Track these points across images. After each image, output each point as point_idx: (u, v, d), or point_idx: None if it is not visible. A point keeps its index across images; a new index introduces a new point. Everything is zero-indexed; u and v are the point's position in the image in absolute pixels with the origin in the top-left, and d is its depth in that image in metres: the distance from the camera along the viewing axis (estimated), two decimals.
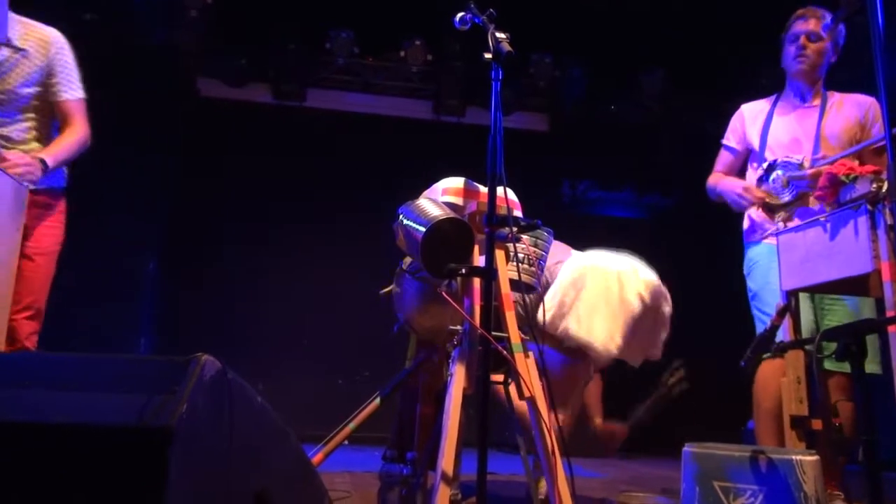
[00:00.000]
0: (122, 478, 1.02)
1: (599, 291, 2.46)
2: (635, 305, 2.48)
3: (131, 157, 4.72)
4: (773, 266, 2.45)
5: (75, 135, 2.42)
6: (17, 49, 2.30)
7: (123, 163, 4.66)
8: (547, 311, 2.48)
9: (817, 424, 2.08)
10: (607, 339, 2.43)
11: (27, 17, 2.40)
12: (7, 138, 2.34)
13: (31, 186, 2.21)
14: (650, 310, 2.54)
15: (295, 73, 5.34)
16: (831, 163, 2.34)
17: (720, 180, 2.80)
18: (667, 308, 2.61)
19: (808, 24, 2.63)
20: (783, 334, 2.21)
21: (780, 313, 2.19)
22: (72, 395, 1.13)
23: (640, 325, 2.51)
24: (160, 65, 4.91)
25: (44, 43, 2.39)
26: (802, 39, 2.63)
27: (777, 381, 2.29)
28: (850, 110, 2.62)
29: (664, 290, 2.59)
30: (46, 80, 2.39)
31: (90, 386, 1.14)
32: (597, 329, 2.42)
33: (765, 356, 2.30)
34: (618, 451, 2.69)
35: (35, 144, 2.40)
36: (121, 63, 4.65)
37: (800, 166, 2.49)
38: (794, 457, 1.73)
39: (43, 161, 2.26)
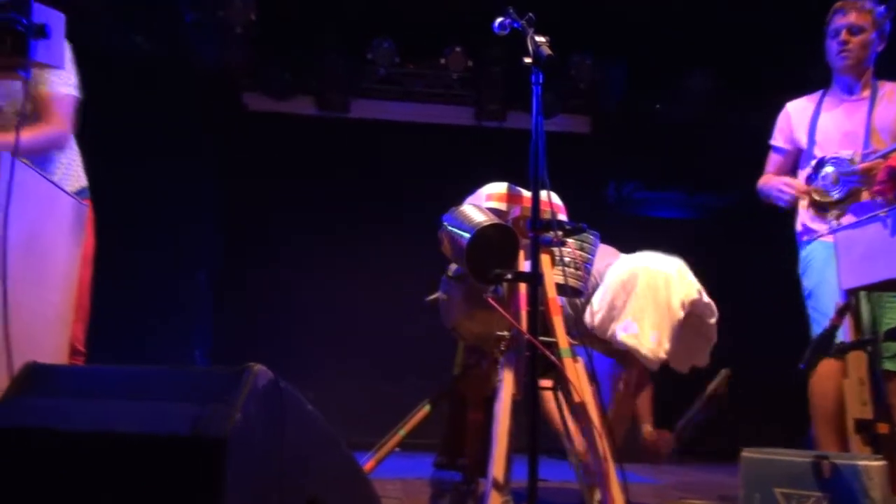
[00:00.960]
0: (179, 485, 1.05)
1: (649, 294, 2.44)
2: (680, 313, 2.46)
3: (180, 171, 4.86)
4: (829, 263, 2.37)
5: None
6: None
7: (172, 177, 4.80)
8: (596, 313, 2.46)
9: (883, 428, 2.01)
10: (656, 344, 2.41)
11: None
12: None
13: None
14: (693, 318, 2.53)
15: (338, 85, 5.41)
16: (883, 156, 2.26)
17: (769, 181, 2.72)
18: (711, 319, 2.58)
19: (849, 17, 2.54)
20: (843, 334, 2.13)
21: (840, 313, 2.12)
22: (131, 405, 1.16)
23: (685, 332, 2.50)
24: (208, 81, 5.05)
25: None
26: (844, 34, 2.54)
27: (833, 383, 2.22)
28: None
29: (707, 300, 2.55)
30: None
31: (148, 396, 1.17)
32: (646, 334, 2.41)
33: (824, 357, 2.23)
34: (668, 458, 2.64)
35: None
36: (170, 81, 4.80)
37: (850, 162, 2.41)
38: (859, 462, 1.67)
39: None
